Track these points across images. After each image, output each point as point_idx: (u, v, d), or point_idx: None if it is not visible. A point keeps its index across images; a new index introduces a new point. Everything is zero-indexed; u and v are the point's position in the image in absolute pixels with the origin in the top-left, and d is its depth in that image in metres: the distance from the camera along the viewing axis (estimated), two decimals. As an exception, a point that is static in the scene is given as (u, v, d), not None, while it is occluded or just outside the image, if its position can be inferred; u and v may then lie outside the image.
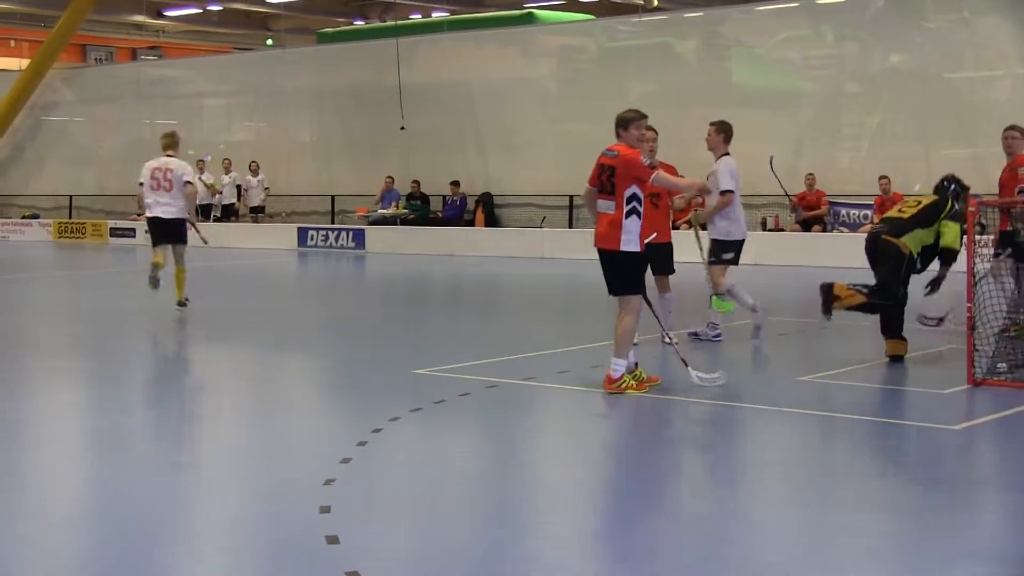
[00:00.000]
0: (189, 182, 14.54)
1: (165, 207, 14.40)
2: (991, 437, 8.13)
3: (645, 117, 9.38)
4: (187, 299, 14.71)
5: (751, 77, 25.50)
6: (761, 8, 26.97)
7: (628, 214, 9.04)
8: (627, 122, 9.28)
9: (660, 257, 11.00)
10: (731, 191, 11.30)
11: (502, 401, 9.22)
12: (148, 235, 15.12)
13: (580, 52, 28.33)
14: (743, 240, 11.77)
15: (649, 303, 9.58)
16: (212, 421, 9.03)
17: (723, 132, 11.83)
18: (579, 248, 21.27)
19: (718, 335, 12.00)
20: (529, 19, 30.61)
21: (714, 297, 11.75)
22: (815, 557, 5.50)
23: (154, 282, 14.60)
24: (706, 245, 11.92)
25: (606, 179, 9.12)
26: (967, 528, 5.96)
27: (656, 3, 35.96)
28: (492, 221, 27.25)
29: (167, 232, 14.52)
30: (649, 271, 10.15)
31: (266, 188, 30.17)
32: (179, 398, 10.08)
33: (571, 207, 25.32)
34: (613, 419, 8.72)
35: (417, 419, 8.41)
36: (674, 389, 9.41)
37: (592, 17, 31.83)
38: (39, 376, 10.97)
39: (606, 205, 9.12)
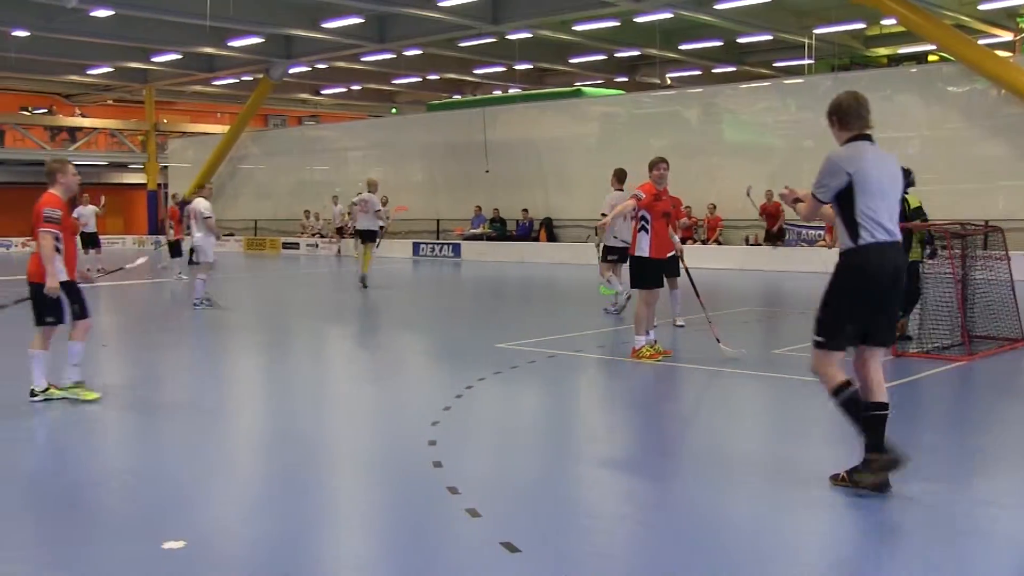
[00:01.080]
0: (379, 210, 17.52)
1: (366, 222, 17.44)
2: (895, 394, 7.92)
3: (664, 161, 9.42)
4: (366, 278, 17.24)
5: (737, 135, 25.18)
6: (744, 86, 26.75)
7: (639, 230, 9.23)
8: (650, 166, 9.47)
9: (670, 264, 10.86)
10: (605, 215, 10.71)
11: (559, 366, 9.15)
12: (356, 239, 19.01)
13: (615, 117, 28.08)
14: (625, 247, 11.46)
15: (697, 292, 10.12)
16: (350, 378, 9.01)
17: (616, 176, 12.83)
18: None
19: (615, 309, 12.80)
20: (578, 94, 30.39)
21: (601, 285, 12.69)
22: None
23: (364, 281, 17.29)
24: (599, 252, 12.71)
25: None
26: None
27: (669, 82, 35.79)
28: (552, 237, 27.16)
29: (365, 237, 17.51)
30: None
31: (388, 216, 30.20)
32: (332, 363, 10.13)
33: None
34: (636, 380, 8.64)
35: (498, 379, 8.36)
36: (680, 359, 9.31)
37: (623, 92, 31.60)
38: (234, 348, 11.09)
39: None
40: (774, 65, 33.11)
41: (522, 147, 28.57)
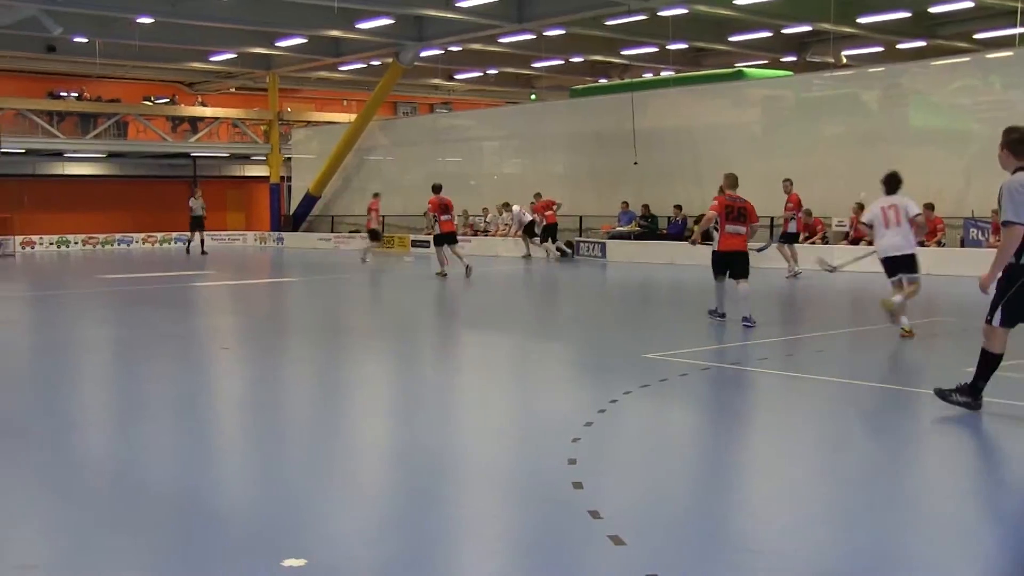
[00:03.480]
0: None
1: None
2: None
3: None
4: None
5: (926, 120, 24.20)
6: (937, 63, 25.68)
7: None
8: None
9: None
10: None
11: (715, 381, 9.04)
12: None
13: (780, 102, 27.51)
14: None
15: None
16: (483, 388, 9.08)
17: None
18: (778, 259, 20.70)
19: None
20: (738, 76, 29.89)
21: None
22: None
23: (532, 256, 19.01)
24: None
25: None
26: None
27: (845, 61, 34.76)
28: (707, 237, 26.60)
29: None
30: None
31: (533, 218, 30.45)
32: (460, 371, 10.27)
33: (772, 226, 24.60)
34: (805, 399, 8.42)
35: (645, 393, 8.29)
36: (861, 375, 8.99)
37: (791, 73, 30.87)
38: (348, 353, 11.36)
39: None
40: (974, 37, 31.61)
41: (675, 136, 28.28)
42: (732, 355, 10.32)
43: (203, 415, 7.85)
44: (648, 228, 27.96)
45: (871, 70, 27.53)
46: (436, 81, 43.08)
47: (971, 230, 21.23)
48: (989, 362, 7.12)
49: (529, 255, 28.74)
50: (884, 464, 6.27)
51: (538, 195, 28.91)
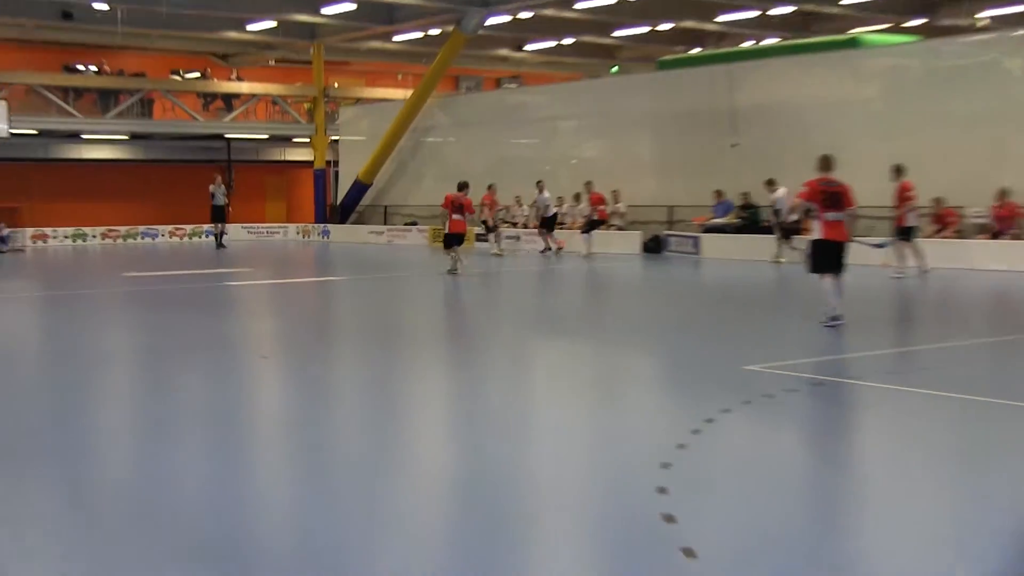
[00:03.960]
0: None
1: None
2: None
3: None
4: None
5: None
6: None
7: None
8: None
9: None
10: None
11: (829, 399, 8.92)
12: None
13: (905, 73, 27.02)
14: None
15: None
16: (566, 403, 9.03)
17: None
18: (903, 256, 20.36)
19: None
20: (854, 43, 29.44)
21: None
22: None
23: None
24: None
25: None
26: None
27: (983, 23, 34.04)
28: (792, 231, 26.34)
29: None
30: None
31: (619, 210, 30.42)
32: (536, 382, 10.25)
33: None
34: (938, 421, 8.23)
35: (747, 412, 8.21)
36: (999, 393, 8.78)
37: (917, 39, 30.33)
38: (405, 363, 11.40)
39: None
40: None
41: (780, 113, 27.96)
42: (852, 367, 10.15)
43: (239, 437, 7.92)
44: (748, 220, 27.70)
45: (1015, 34, 26.88)
46: (504, 52, 43.19)
47: None
48: None
49: (550, 248, 28.93)
50: (1034, 498, 6.11)
51: (589, 184, 28.79)
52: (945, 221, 23.26)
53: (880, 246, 15.75)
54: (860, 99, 26.94)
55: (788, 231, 23.68)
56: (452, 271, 21.41)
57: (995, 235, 22.51)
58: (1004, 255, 21.67)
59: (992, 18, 34.31)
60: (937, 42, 28.27)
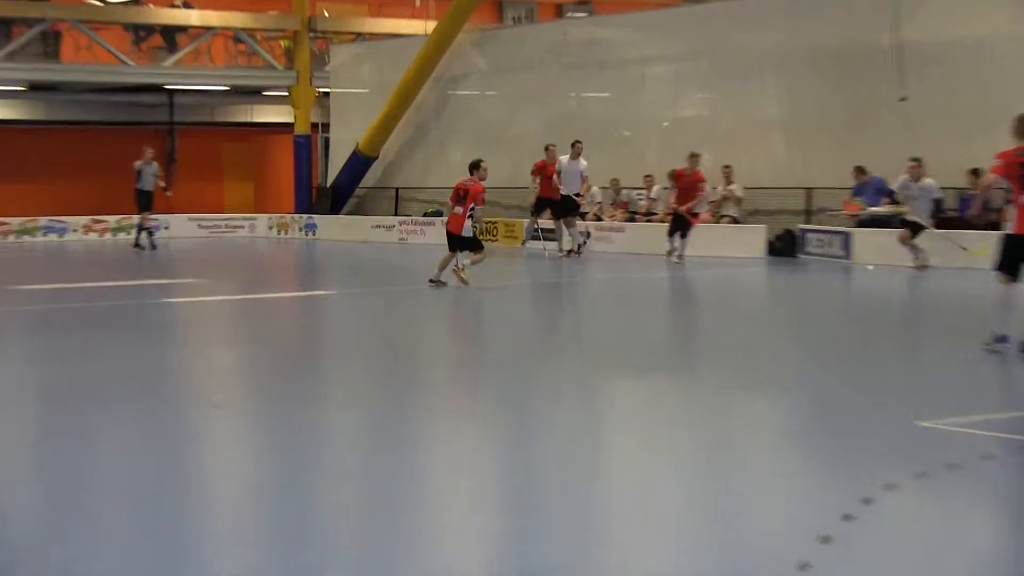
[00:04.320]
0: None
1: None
2: None
3: None
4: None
5: None
6: None
7: None
8: None
9: None
10: None
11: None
12: None
13: None
14: None
15: None
16: (652, 474, 9.04)
17: None
18: None
19: None
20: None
21: None
22: None
23: None
24: None
25: None
26: None
27: None
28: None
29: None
30: None
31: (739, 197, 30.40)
32: (622, 438, 10.24)
33: None
34: None
35: (922, 488, 8.20)
36: None
37: None
38: (423, 415, 11.42)
39: None
40: None
41: (970, 54, 27.78)
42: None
43: (176, 528, 7.93)
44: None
45: None
46: (567, -34, 43.28)
47: None
48: None
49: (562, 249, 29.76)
50: None
51: (695, 158, 28.49)
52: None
53: None
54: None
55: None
56: (436, 281, 21.77)
57: None
58: None
59: None
60: None
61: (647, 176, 32.16)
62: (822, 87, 30.28)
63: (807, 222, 29.45)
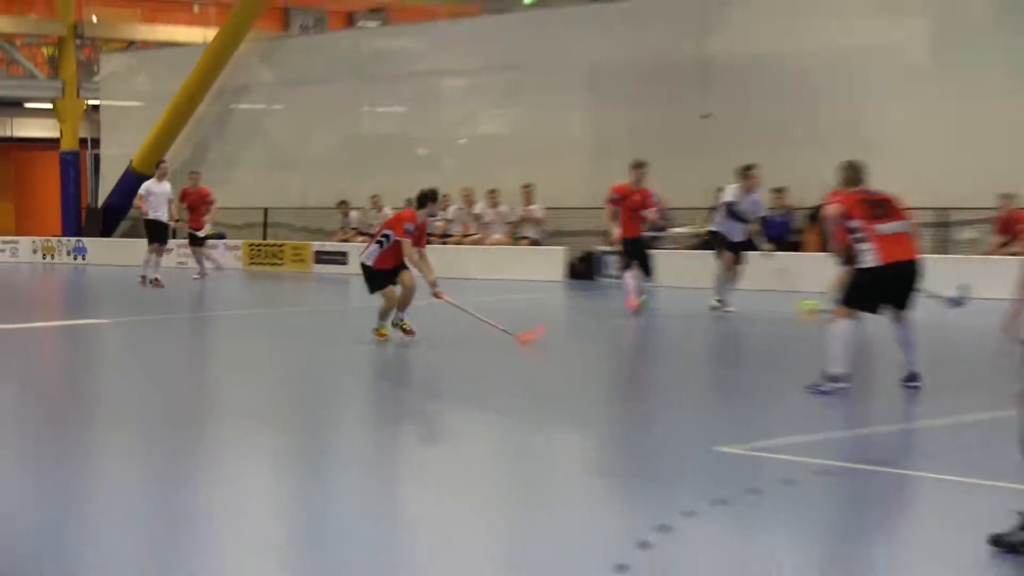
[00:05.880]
0: None
1: None
2: None
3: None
4: None
5: None
6: None
7: None
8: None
9: None
10: None
11: (842, 494, 9.15)
12: None
13: (966, 2, 27.64)
14: None
15: None
16: (458, 508, 9.07)
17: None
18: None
19: None
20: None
21: None
22: None
23: None
24: None
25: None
26: None
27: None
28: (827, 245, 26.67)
29: None
30: None
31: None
32: (428, 476, 10.30)
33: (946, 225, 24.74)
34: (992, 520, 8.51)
35: (721, 515, 8.35)
36: None
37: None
38: (237, 449, 11.40)
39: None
40: None
41: (777, 68, 28.36)
42: (879, 447, 10.38)
43: None
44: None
45: None
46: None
47: None
48: None
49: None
50: None
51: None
52: (1015, 229, 23.79)
53: (958, 303, 15.61)
54: (896, 44, 27.43)
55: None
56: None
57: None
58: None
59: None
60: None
61: (445, 195, 32.28)
62: (628, 104, 30.63)
63: (609, 243, 29.78)
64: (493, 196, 31.34)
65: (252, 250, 35.51)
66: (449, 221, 31.99)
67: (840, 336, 12.67)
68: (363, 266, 18.03)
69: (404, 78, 35.82)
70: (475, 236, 31.44)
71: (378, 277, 17.69)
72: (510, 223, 30.80)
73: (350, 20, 48.98)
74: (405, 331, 17.70)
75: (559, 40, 32.77)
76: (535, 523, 8.53)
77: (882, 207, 12.71)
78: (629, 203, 21.11)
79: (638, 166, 21.34)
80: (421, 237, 18.08)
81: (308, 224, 35.71)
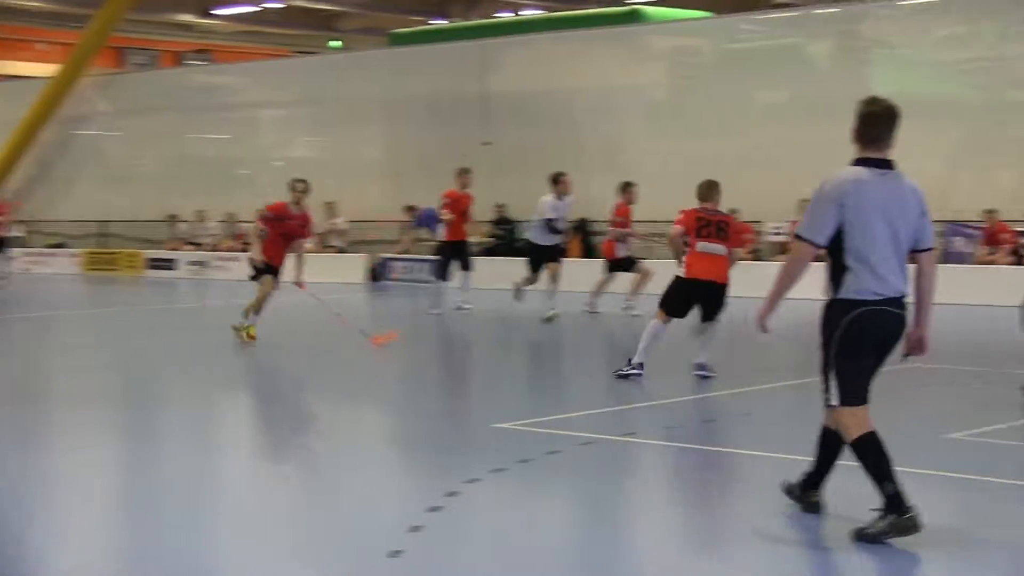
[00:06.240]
0: None
1: None
2: None
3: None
4: None
5: (895, 84, 25.23)
6: (907, 2, 26.83)
7: None
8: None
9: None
10: None
11: (598, 461, 9.22)
12: None
13: (694, 55, 28.21)
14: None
15: None
16: (270, 482, 9.00)
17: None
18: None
19: None
20: (635, 17, 30.55)
21: None
22: None
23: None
24: None
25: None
26: None
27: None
28: (589, 250, 27.02)
29: None
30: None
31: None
32: (233, 454, 10.17)
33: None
34: (724, 481, 8.70)
35: (498, 481, 8.38)
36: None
37: (709, 14, 31.68)
38: (76, 427, 11.14)
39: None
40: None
41: (544, 103, 28.53)
42: (626, 421, 10.55)
43: None
44: (504, 238, 28.03)
45: (819, 11, 28.32)
46: (187, 18, 42.51)
47: (955, 238, 22.15)
48: (868, 453, 6.78)
49: None
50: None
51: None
52: (741, 240, 24.20)
53: None
54: (640, 86, 27.85)
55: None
56: None
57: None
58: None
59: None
60: (732, 19, 29.59)
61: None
62: (419, 131, 30.62)
63: (405, 252, 29.78)
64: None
65: (90, 257, 34.80)
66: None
67: (649, 332, 12.57)
68: None
69: (226, 109, 35.45)
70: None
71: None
72: (318, 234, 30.64)
73: (179, 59, 48.15)
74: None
75: (359, 79, 32.78)
76: (337, 491, 8.48)
77: (711, 227, 12.50)
78: (460, 207, 20.54)
79: (464, 172, 20.80)
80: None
81: (140, 235, 35.07)
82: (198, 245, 32.75)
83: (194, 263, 31.76)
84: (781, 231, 24.64)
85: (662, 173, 25.26)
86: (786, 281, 6.91)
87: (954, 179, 23.19)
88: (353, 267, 29.63)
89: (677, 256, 12.62)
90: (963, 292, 19.84)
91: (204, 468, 9.34)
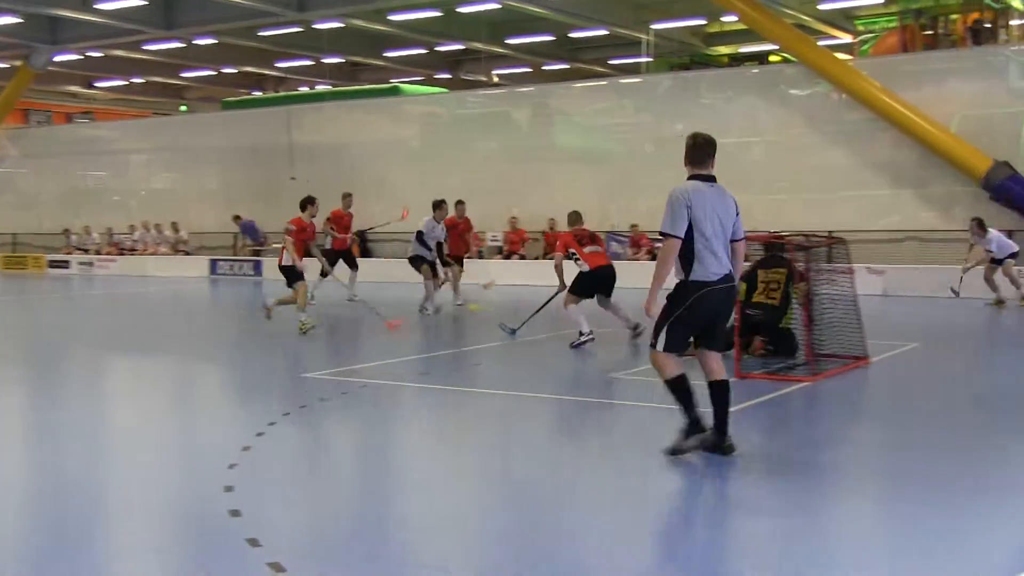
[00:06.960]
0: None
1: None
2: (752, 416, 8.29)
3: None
4: None
5: (570, 139, 25.95)
6: (578, 85, 27.68)
7: None
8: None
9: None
10: None
11: (374, 398, 9.18)
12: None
13: (436, 118, 28.39)
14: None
15: None
16: (130, 418, 8.59)
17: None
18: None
19: None
20: (395, 92, 30.50)
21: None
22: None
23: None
24: None
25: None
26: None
27: (497, 80, 36.47)
28: (365, 253, 26.90)
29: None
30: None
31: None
32: (100, 398, 9.75)
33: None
34: (460, 411, 8.77)
35: (305, 414, 8.32)
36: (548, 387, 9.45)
37: (446, 90, 31.93)
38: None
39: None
40: (609, 63, 34.23)
41: (333, 151, 28.41)
42: (394, 371, 10.54)
43: None
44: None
45: (521, 89, 29.03)
46: (75, 88, 40.67)
47: (612, 243, 22.88)
48: (677, 389, 6.63)
49: None
50: (549, 474, 6.68)
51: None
52: (469, 246, 24.38)
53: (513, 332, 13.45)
54: (400, 139, 28.05)
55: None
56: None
57: (508, 256, 24.25)
58: (518, 272, 23.24)
59: (503, 76, 36.84)
60: (462, 93, 30.15)
61: (131, 225, 31.09)
62: (245, 170, 30.22)
63: (235, 255, 29.10)
64: (159, 227, 30.36)
65: (5, 260, 33.03)
66: (136, 241, 30.68)
67: (574, 312, 12.17)
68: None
69: (104, 154, 34.15)
70: (152, 250, 30.20)
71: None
72: (171, 243, 29.97)
73: (69, 118, 45.86)
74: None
75: (201, 133, 32.18)
76: (164, 432, 8.26)
77: (587, 238, 12.37)
78: (343, 223, 18.93)
79: (346, 196, 19.07)
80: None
81: (43, 243, 33.50)
82: (85, 251, 31.50)
83: (83, 264, 30.61)
84: (497, 239, 25.13)
85: (416, 198, 25.19)
86: (663, 272, 6.48)
87: (609, 204, 24.02)
88: (198, 265, 28.83)
89: (559, 273, 12.38)
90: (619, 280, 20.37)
91: (102, 405, 8.95)
